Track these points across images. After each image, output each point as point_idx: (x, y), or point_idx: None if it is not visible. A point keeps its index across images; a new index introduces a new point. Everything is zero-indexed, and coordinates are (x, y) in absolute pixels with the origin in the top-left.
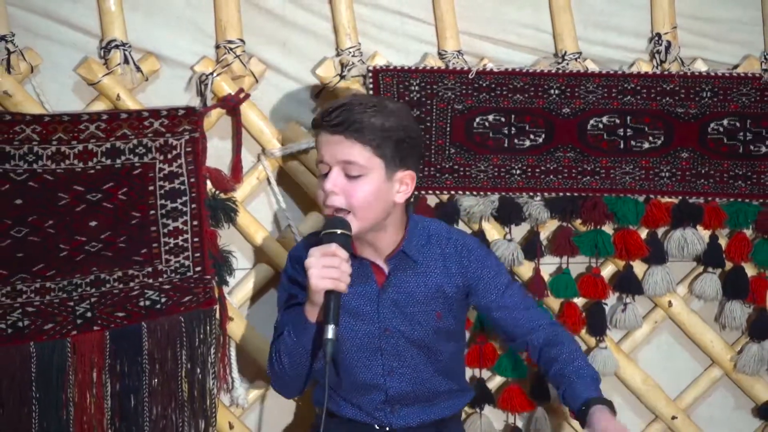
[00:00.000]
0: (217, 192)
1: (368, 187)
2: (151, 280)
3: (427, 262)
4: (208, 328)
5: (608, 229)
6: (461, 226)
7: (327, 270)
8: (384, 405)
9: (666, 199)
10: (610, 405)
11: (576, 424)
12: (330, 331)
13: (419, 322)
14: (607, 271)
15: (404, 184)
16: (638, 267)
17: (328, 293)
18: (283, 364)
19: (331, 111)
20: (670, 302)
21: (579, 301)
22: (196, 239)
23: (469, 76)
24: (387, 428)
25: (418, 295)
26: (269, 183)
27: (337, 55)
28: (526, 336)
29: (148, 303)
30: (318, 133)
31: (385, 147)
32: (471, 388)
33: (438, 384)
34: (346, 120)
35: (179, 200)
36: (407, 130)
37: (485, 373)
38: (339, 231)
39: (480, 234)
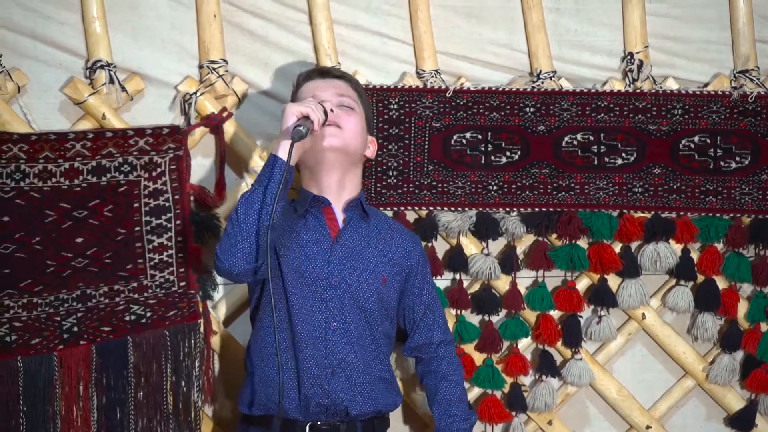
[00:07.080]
0: (201, 208)
1: (357, 119)
2: (136, 295)
3: (377, 224)
4: (192, 341)
5: (583, 243)
6: (440, 241)
7: (303, 107)
8: (324, 367)
9: (639, 214)
10: None
11: None
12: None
13: (366, 280)
14: (582, 284)
15: (369, 147)
16: (612, 280)
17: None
18: (238, 217)
19: (327, 68)
20: (643, 314)
21: (555, 313)
22: (180, 255)
23: (447, 95)
24: (318, 423)
25: (368, 254)
26: None
27: None
28: (419, 341)
29: (133, 317)
30: (309, 81)
31: (364, 105)
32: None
33: (373, 360)
34: (344, 72)
35: (164, 217)
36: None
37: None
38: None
39: (458, 248)
